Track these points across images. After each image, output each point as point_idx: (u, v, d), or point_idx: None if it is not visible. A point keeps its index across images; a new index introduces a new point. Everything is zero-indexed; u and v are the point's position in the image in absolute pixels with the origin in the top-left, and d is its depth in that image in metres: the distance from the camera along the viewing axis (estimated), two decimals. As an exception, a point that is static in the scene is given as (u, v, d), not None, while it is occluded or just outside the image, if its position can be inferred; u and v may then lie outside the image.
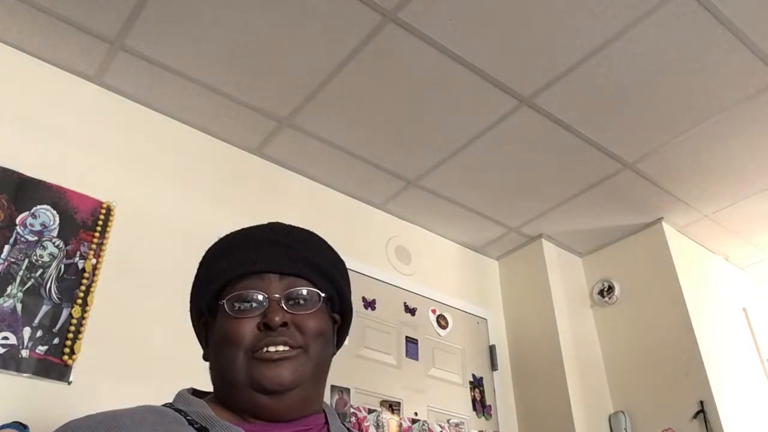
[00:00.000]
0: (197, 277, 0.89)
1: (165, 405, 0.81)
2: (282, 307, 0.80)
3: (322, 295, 0.84)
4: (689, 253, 3.06)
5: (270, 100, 2.29)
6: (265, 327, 0.78)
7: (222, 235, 0.91)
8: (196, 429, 0.74)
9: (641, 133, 2.46)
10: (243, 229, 0.90)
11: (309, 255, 0.86)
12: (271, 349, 0.78)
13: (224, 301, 0.81)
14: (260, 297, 0.80)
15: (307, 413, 0.82)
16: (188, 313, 0.93)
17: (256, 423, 0.79)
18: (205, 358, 0.87)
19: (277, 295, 0.81)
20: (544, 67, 2.15)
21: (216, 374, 0.84)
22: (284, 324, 0.79)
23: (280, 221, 0.93)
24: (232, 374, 0.78)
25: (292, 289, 0.82)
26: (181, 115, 2.36)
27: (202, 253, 0.92)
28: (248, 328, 0.79)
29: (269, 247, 0.84)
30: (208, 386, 0.88)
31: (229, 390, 0.80)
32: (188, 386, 0.86)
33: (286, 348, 0.78)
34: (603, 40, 2.04)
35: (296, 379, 0.78)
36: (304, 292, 0.82)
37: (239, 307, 0.80)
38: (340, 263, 0.92)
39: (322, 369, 0.84)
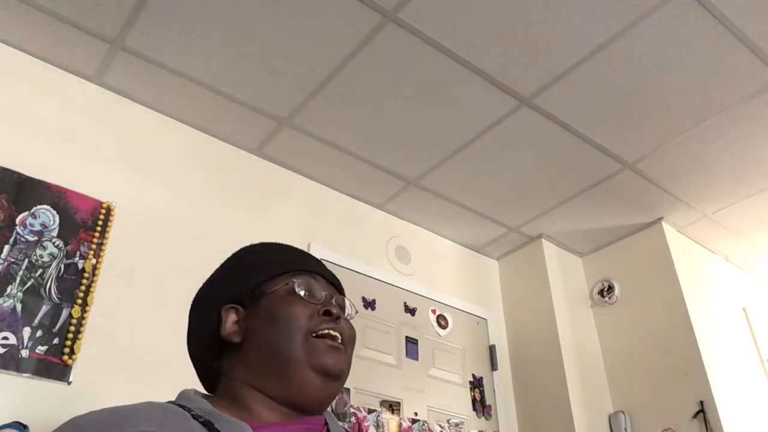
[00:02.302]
0: (241, 263, 0.94)
1: (168, 402, 0.81)
2: (334, 304, 0.89)
3: (356, 310, 0.96)
4: (689, 253, 3.06)
5: (270, 100, 2.29)
6: (325, 314, 0.86)
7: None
8: (201, 423, 0.74)
9: (641, 133, 2.46)
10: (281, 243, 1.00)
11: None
12: (333, 333, 0.85)
13: (294, 281, 0.88)
14: (323, 292, 0.89)
15: (322, 411, 0.85)
16: (188, 312, 0.92)
17: (261, 422, 0.79)
18: (234, 343, 0.86)
19: (331, 294, 0.91)
20: (544, 67, 2.15)
21: (262, 354, 0.84)
22: (338, 318, 0.87)
23: (284, 237, 1.08)
24: (290, 351, 0.82)
25: (339, 296, 0.93)
26: (181, 115, 2.36)
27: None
28: (309, 312, 0.86)
29: (315, 258, 0.97)
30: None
31: (281, 368, 0.82)
32: (188, 385, 0.86)
33: (341, 338, 0.86)
34: (603, 40, 2.04)
35: (344, 369, 0.85)
36: (347, 300, 0.94)
37: (308, 291, 0.88)
38: None
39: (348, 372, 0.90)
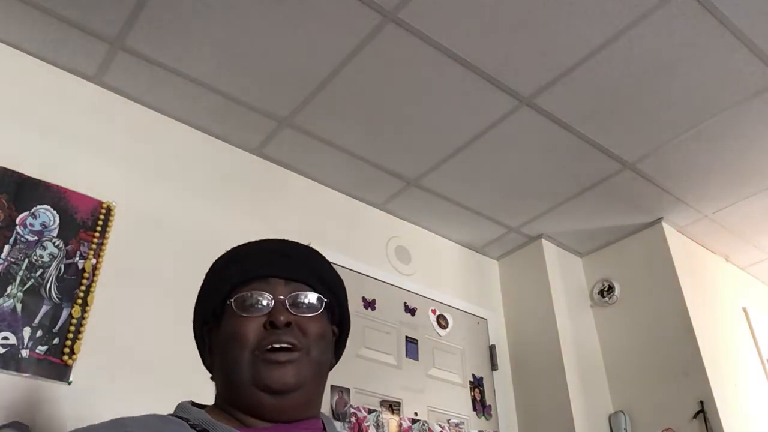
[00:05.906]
0: (205, 284, 0.94)
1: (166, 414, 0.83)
2: (287, 308, 0.84)
3: (325, 300, 0.88)
4: (689, 253, 3.06)
5: (270, 100, 2.29)
6: (271, 326, 0.82)
7: (224, 244, 0.97)
8: (198, 431, 0.77)
9: (641, 133, 2.46)
10: (250, 242, 0.95)
11: (312, 265, 0.92)
12: (276, 345, 0.81)
13: (232, 300, 0.85)
14: (267, 297, 0.85)
15: (306, 416, 0.84)
16: (188, 314, 0.94)
17: (255, 429, 0.81)
18: (209, 366, 0.90)
19: (281, 297, 0.85)
20: (544, 67, 2.15)
21: (221, 375, 0.86)
22: (288, 324, 0.83)
23: (284, 238, 0.98)
24: (237, 373, 0.81)
25: (296, 293, 0.86)
26: (181, 115, 2.36)
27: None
28: (254, 327, 0.83)
29: (275, 256, 0.91)
30: (206, 387, 0.89)
31: (234, 389, 0.82)
32: (187, 385, 0.88)
33: (290, 348, 0.82)
34: (603, 40, 2.04)
35: (300, 380, 0.81)
36: (308, 296, 0.87)
37: (247, 306, 0.84)
38: (340, 280, 0.97)
39: (322, 372, 0.87)
